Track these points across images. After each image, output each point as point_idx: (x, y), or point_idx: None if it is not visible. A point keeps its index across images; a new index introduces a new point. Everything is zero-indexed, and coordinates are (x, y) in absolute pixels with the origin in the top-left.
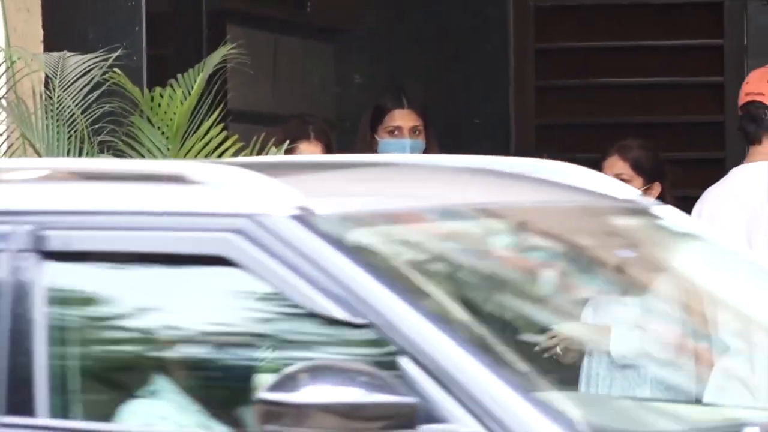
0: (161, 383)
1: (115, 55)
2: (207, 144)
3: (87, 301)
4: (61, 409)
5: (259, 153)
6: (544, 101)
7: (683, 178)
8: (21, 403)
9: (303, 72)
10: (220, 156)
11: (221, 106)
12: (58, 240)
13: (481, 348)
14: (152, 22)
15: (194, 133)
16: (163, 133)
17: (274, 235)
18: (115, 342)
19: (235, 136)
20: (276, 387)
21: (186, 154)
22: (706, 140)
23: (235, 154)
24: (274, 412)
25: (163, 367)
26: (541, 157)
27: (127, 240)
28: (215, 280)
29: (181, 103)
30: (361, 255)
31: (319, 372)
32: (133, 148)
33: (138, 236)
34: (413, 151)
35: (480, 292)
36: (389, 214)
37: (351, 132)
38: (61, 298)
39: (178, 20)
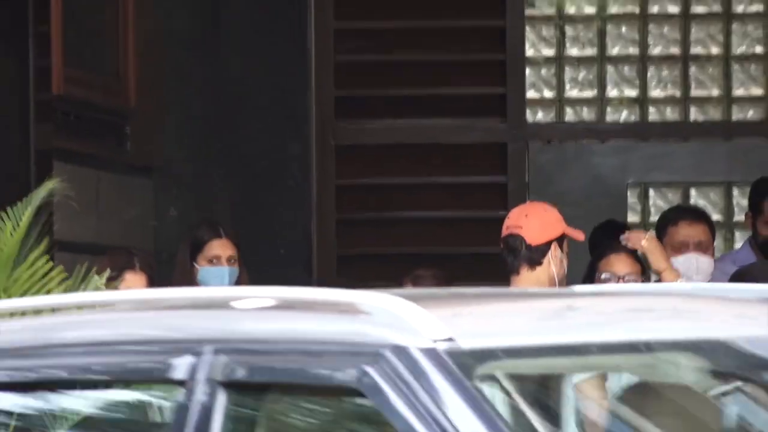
0: None
1: None
2: (34, 274)
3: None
4: None
5: (81, 282)
6: (344, 233)
7: None
8: None
9: (123, 205)
10: (44, 285)
11: (48, 236)
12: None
13: None
14: None
15: (22, 263)
16: None
17: (405, 368)
18: None
19: (60, 267)
20: None
21: (14, 284)
22: (493, 271)
23: (60, 283)
24: None
25: None
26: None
27: (276, 370)
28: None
29: (11, 235)
30: (478, 396)
31: None
32: None
33: (281, 364)
34: (231, 278)
35: None
36: (542, 349)
37: (168, 262)
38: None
39: (7, 156)
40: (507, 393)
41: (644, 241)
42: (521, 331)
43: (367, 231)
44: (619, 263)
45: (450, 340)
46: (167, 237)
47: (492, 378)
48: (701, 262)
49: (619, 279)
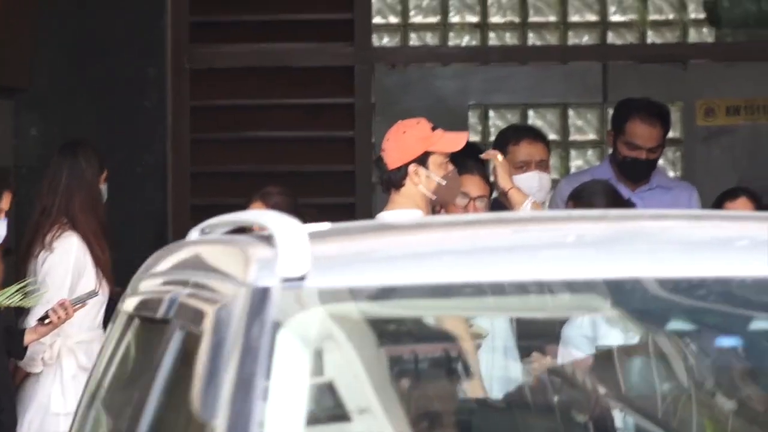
0: None
1: None
2: None
3: None
4: None
5: None
6: (198, 152)
7: (319, 222)
8: None
9: None
10: None
11: None
12: None
13: None
14: None
15: None
16: None
17: (236, 308)
18: None
19: None
20: None
21: None
22: (339, 187)
23: None
24: None
25: None
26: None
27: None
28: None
29: None
30: (274, 347)
31: None
32: None
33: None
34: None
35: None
36: (391, 290)
37: (27, 178)
38: None
39: None
40: (346, 337)
41: (500, 156)
42: (396, 268)
43: (220, 150)
44: (473, 185)
45: (300, 279)
46: (27, 156)
47: (338, 320)
48: (543, 179)
49: (470, 200)
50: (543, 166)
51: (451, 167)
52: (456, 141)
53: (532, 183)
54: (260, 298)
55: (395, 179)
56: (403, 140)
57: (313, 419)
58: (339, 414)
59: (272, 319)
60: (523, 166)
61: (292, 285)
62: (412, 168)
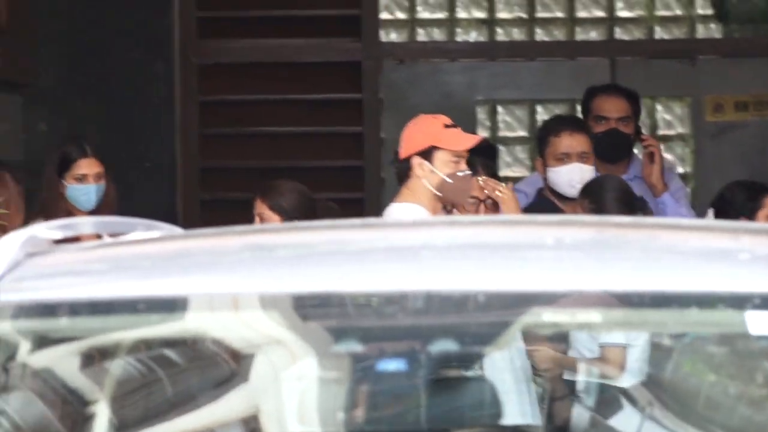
0: None
1: None
2: None
3: None
4: None
5: None
6: (207, 147)
7: (328, 217)
8: None
9: None
10: None
11: None
12: None
13: None
14: None
15: None
16: None
17: None
18: None
19: None
20: None
21: None
22: (348, 183)
23: None
24: None
25: None
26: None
27: None
28: None
29: None
30: None
31: None
32: None
33: None
34: (97, 195)
35: None
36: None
37: (36, 174)
38: None
39: None
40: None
41: (498, 192)
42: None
43: (228, 145)
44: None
45: None
46: (36, 151)
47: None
48: (584, 171)
49: (480, 202)
50: (585, 158)
51: (462, 167)
52: (463, 140)
53: (572, 176)
54: None
55: (401, 170)
56: (413, 132)
57: None
58: None
59: None
60: (563, 158)
61: None
62: (416, 161)
